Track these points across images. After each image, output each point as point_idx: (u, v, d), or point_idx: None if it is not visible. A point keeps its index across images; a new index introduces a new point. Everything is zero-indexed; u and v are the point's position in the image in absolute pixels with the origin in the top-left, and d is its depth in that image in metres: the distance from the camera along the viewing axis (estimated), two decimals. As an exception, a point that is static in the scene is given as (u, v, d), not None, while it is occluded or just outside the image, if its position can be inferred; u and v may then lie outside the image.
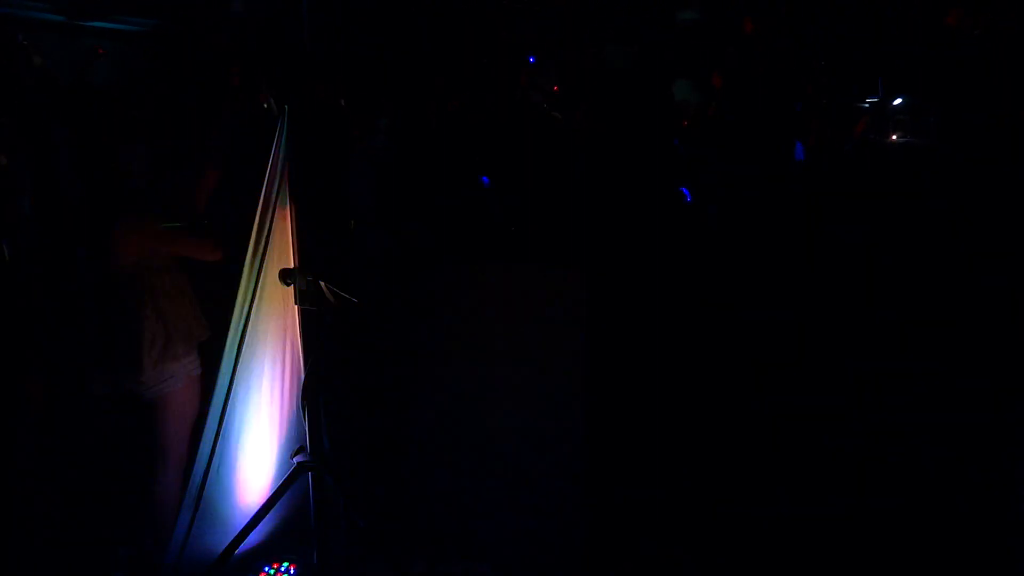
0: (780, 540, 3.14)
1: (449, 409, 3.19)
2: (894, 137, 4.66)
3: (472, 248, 3.67)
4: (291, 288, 2.72)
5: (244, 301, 2.69)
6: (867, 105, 5.01)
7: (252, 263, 2.69)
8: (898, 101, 4.76)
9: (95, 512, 3.05)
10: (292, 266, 2.73)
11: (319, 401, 2.76)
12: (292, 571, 2.97)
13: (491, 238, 3.74)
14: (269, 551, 2.97)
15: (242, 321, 2.69)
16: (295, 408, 2.87)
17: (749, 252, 4.10)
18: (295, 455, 2.78)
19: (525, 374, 2.99)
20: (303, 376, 2.77)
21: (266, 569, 2.95)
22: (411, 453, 3.28)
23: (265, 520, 2.76)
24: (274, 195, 2.68)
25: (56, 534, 2.92)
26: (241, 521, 2.77)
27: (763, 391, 3.85)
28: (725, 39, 5.66)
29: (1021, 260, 3.64)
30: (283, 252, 2.74)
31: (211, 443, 2.72)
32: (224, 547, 2.68)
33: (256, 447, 2.86)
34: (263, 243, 2.68)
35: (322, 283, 2.67)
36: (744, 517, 3.27)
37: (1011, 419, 3.35)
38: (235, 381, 2.70)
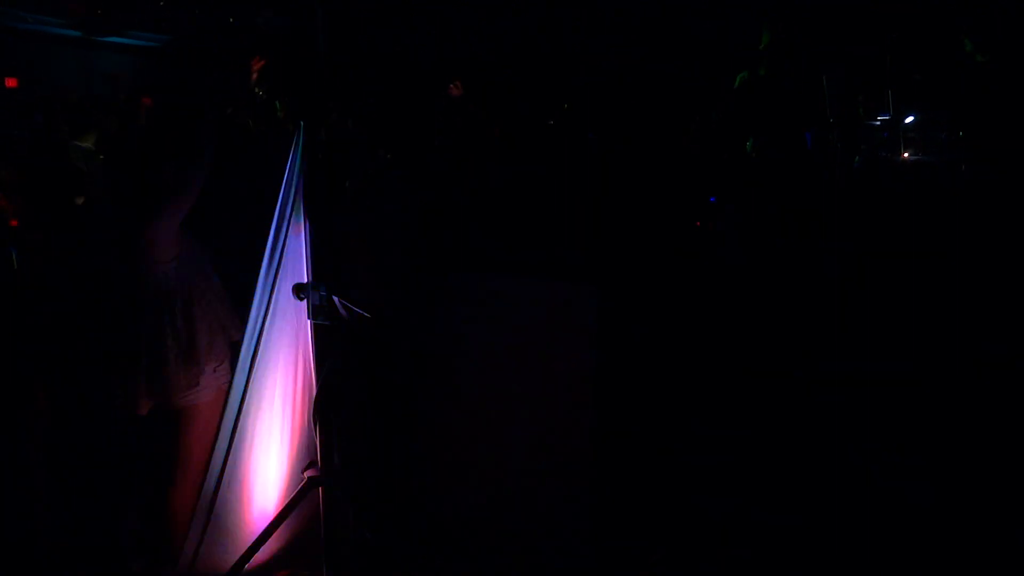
0: (794, 548, 3.12)
1: (458, 424, 3.19)
2: (906, 155, 4.68)
3: (481, 261, 3.68)
4: (304, 302, 2.74)
5: (258, 315, 2.71)
6: (878, 123, 5.03)
7: (266, 277, 2.71)
8: (909, 119, 4.78)
9: (109, 521, 3.05)
10: (306, 280, 2.75)
11: (330, 416, 2.77)
12: (301, 585, 2.97)
13: (500, 251, 3.75)
14: (279, 565, 2.97)
15: (255, 335, 2.71)
16: (307, 422, 2.88)
17: (760, 260, 4.11)
18: (306, 469, 2.79)
19: (535, 389, 2.99)
20: (315, 390, 2.78)
21: (276, 583, 2.95)
22: (420, 468, 3.28)
23: (275, 534, 2.77)
24: (288, 210, 2.70)
25: (69, 542, 2.92)
26: (252, 535, 2.78)
27: (772, 401, 3.85)
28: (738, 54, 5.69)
29: None
30: (296, 267, 2.76)
31: (223, 456, 2.73)
32: (235, 560, 2.69)
33: (268, 461, 2.86)
34: (277, 257, 2.70)
35: (335, 298, 2.68)
36: (757, 527, 3.25)
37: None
38: (248, 394, 2.72)
